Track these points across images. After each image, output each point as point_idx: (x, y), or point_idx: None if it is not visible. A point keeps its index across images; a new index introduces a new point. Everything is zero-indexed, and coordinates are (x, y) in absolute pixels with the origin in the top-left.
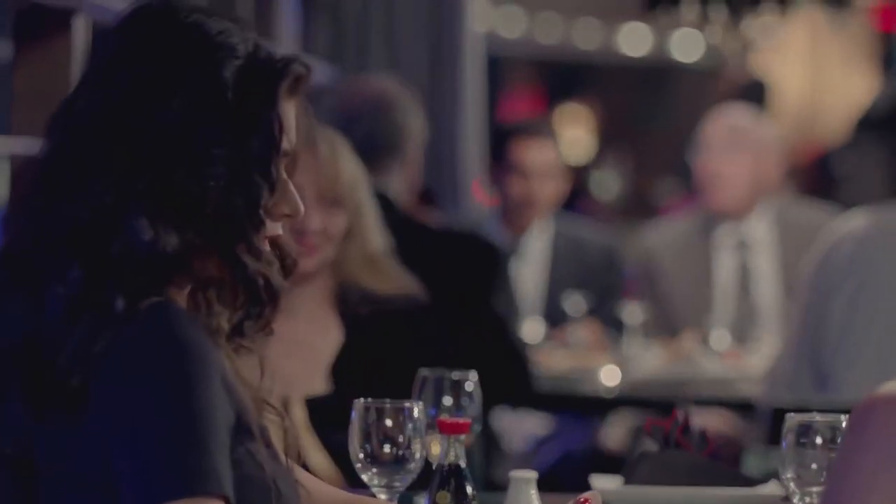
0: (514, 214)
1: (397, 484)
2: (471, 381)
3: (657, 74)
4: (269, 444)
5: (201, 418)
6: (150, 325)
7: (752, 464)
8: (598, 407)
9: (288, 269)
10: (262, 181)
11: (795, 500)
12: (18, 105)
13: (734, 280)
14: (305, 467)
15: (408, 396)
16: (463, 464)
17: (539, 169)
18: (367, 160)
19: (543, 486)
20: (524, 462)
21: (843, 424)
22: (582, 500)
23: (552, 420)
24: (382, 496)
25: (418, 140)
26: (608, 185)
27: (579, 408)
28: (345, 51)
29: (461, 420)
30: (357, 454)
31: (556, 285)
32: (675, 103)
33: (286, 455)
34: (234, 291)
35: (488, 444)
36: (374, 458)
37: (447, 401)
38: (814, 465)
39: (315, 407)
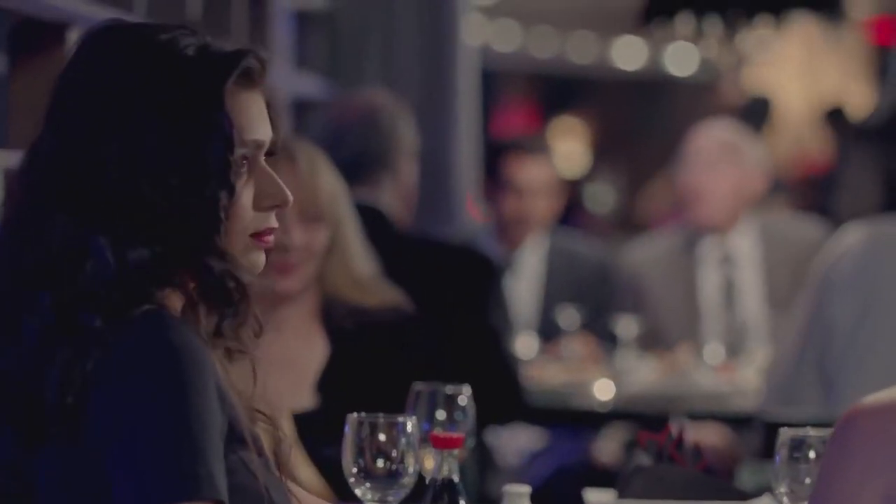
0: (507, 231)
1: (391, 499)
2: (464, 396)
3: (652, 88)
4: (261, 453)
5: (196, 423)
6: (142, 333)
7: (745, 478)
8: (591, 421)
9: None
10: (217, 181)
11: None
12: (13, 118)
13: (720, 295)
14: (294, 482)
15: (395, 410)
16: (456, 478)
17: (533, 186)
18: (357, 174)
19: (537, 500)
20: (518, 476)
21: None
22: None
23: (546, 434)
24: None
25: (410, 153)
26: (602, 198)
27: (573, 422)
28: (339, 65)
29: (455, 434)
30: (350, 469)
31: (550, 299)
32: (669, 117)
33: (277, 465)
34: (207, 295)
35: (482, 459)
36: (367, 473)
37: (441, 415)
38: (807, 480)
39: (303, 421)
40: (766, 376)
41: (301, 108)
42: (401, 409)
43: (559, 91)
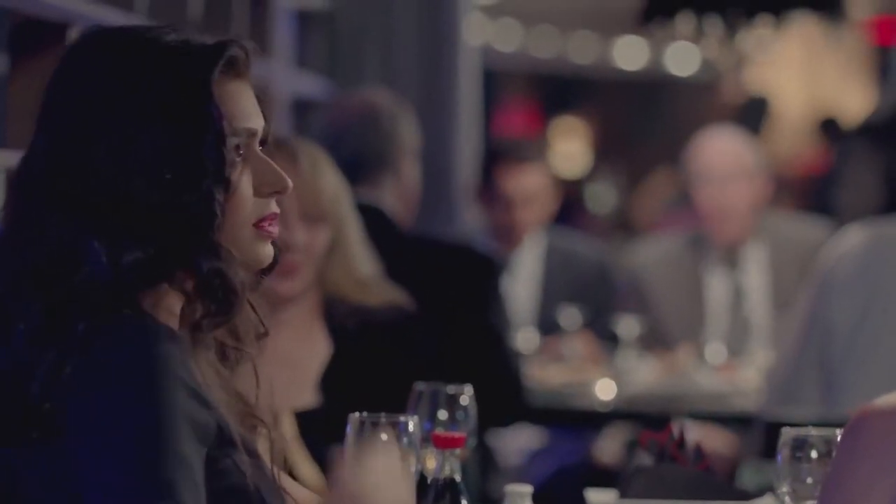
0: (501, 236)
1: None
2: (466, 396)
3: (652, 88)
4: (254, 455)
5: (161, 430)
6: (116, 340)
7: (747, 478)
8: (593, 421)
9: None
10: (212, 176)
11: None
12: (14, 118)
13: (727, 296)
14: (295, 481)
15: (396, 409)
16: (458, 478)
17: (524, 195)
18: (358, 174)
19: (539, 500)
20: (519, 476)
21: (839, 438)
22: None
23: (547, 434)
24: None
25: (411, 152)
26: (603, 198)
27: (574, 422)
28: (340, 65)
29: (456, 434)
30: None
31: (549, 299)
32: (670, 117)
33: (272, 465)
34: (201, 293)
35: (484, 459)
36: None
37: (442, 415)
38: (809, 479)
39: (304, 420)
40: (767, 376)
41: (301, 108)
42: (402, 408)
43: (560, 91)
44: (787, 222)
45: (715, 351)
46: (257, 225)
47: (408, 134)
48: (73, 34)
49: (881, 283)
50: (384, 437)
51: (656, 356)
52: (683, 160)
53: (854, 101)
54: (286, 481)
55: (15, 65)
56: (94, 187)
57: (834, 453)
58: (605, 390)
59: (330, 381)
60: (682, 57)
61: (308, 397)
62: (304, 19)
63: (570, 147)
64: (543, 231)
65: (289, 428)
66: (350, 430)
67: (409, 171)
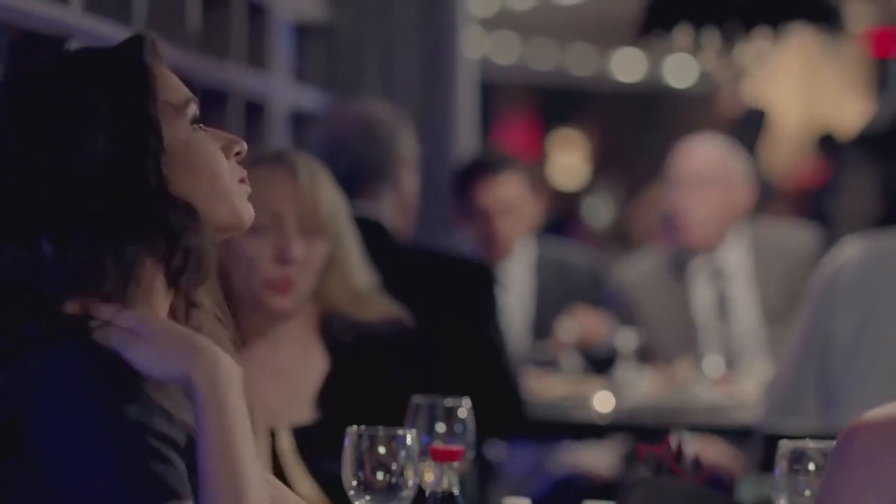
0: (486, 249)
1: None
2: (464, 409)
3: (650, 100)
4: None
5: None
6: (67, 366)
7: (745, 490)
8: (591, 433)
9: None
10: (144, 129)
11: None
12: None
13: (713, 308)
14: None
15: (394, 423)
16: (456, 491)
17: (501, 206)
18: (357, 186)
19: None
20: (517, 489)
21: None
22: None
23: (545, 446)
24: None
25: (410, 164)
26: (601, 211)
27: (572, 434)
28: (338, 78)
29: (454, 447)
30: (350, 482)
31: (543, 309)
32: (668, 129)
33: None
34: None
35: (482, 472)
36: (367, 486)
37: (440, 428)
38: (807, 492)
39: (301, 435)
40: (766, 390)
41: (300, 121)
42: (400, 423)
43: (558, 103)
44: (771, 229)
45: (712, 363)
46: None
47: (406, 145)
48: (71, 48)
49: (880, 296)
50: None
51: (654, 369)
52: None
53: (852, 113)
54: (274, 485)
55: None
56: (39, 181)
57: (826, 467)
58: (603, 403)
59: (328, 396)
60: (680, 69)
61: (306, 413)
62: (303, 32)
63: (568, 159)
64: (534, 241)
65: (286, 443)
66: (347, 443)
67: (408, 183)
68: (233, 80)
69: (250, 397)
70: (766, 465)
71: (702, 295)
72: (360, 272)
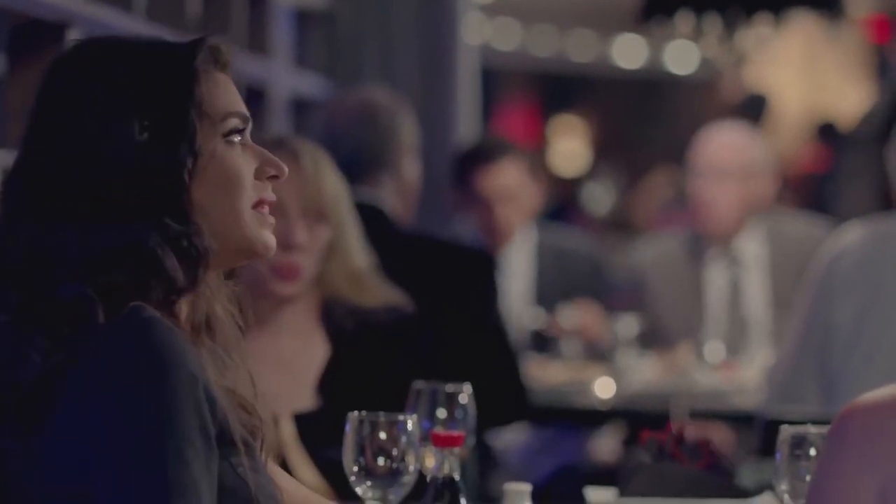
0: (487, 236)
1: (392, 497)
2: (465, 394)
3: (652, 87)
4: (253, 456)
5: (179, 431)
6: (125, 335)
7: (746, 476)
8: (592, 419)
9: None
10: (183, 144)
11: None
12: (13, 119)
13: (726, 295)
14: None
15: (396, 410)
16: (457, 477)
17: (501, 193)
18: (358, 173)
19: (538, 499)
20: (518, 475)
21: None
22: None
23: (546, 432)
24: None
25: (410, 151)
26: (601, 198)
27: (574, 420)
28: (339, 65)
29: (455, 433)
30: (351, 467)
31: (543, 295)
32: (669, 116)
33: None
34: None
35: (483, 457)
36: (368, 471)
37: (441, 413)
38: (808, 477)
39: (303, 423)
40: (767, 376)
41: (300, 108)
42: (401, 409)
43: (559, 90)
44: (788, 221)
45: (713, 349)
46: (255, 207)
47: (407, 132)
48: (72, 34)
49: (882, 281)
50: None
51: (655, 354)
52: (687, 154)
53: (852, 99)
54: (279, 475)
55: (14, 65)
56: (66, 175)
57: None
58: (604, 388)
59: (329, 383)
60: (681, 55)
61: (307, 400)
62: (303, 18)
63: (569, 146)
64: (534, 227)
65: (288, 430)
66: (349, 428)
67: (409, 170)
68: (233, 66)
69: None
70: (767, 450)
71: (715, 282)
72: (362, 259)
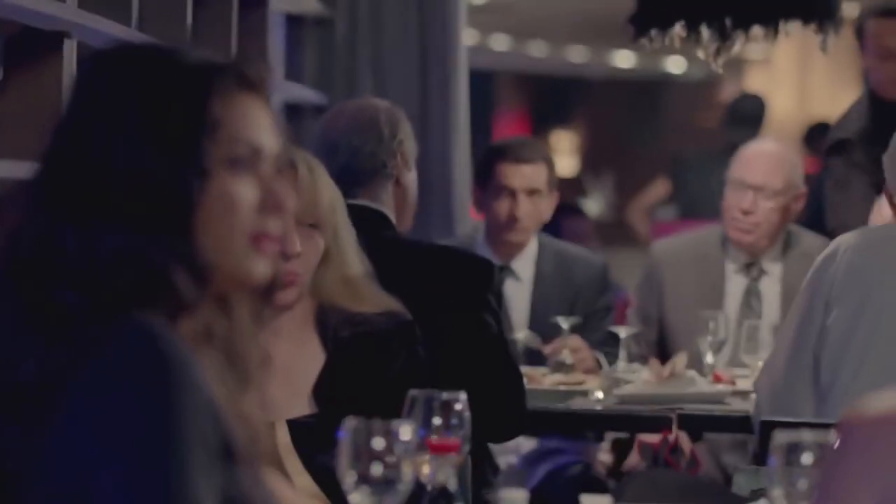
0: (505, 236)
1: None
2: (461, 402)
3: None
4: (254, 469)
5: (182, 441)
6: (131, 343)
7: (741, 482)
8: (588, 425)
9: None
10: (194, 166)
11: None
12: (8, 127)
13: (740, 301)
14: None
15: (391, 417)
16: (453, 484)
17: (531, 190)
18: (358, 180)
19: None
20: (514, 481)
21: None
22: None
23: (541, 438)
24: None
25: (410, 159)
26: (591, 209)
27: (568, 425)
28: (333, 77)
29: (451, 441)
30: (346, 474)
31: (542, 306)
32: (664, 117)
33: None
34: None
35: (478, 464)
36: (363, 479)
37: (437, 421)
38: (803, 484)
39: (298, 429)
40: (755, 386)
41: (293, 115)
42: (397, 416)
43: (552, 101)
44: (805, 236)
45: (712, 358)
46: (253, 239)
47: (408, 141)
48: (69, 44)
49: (874, 287)
50: None
51: (653, 362)
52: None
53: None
54: (279, 485)
55: (9, 74)
56: (74, 179)
57: (821, 459)
58: (598, 393)
59: (324, 389)
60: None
61: (302, 406)
62: (296, 31)
63: (560, 158)
64: (534, 238)
65: (284, 437)
66: (344, 435)
67: (408, 179)
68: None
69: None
70: (762, 456)
71: (734, 287)
72: (357, 266)
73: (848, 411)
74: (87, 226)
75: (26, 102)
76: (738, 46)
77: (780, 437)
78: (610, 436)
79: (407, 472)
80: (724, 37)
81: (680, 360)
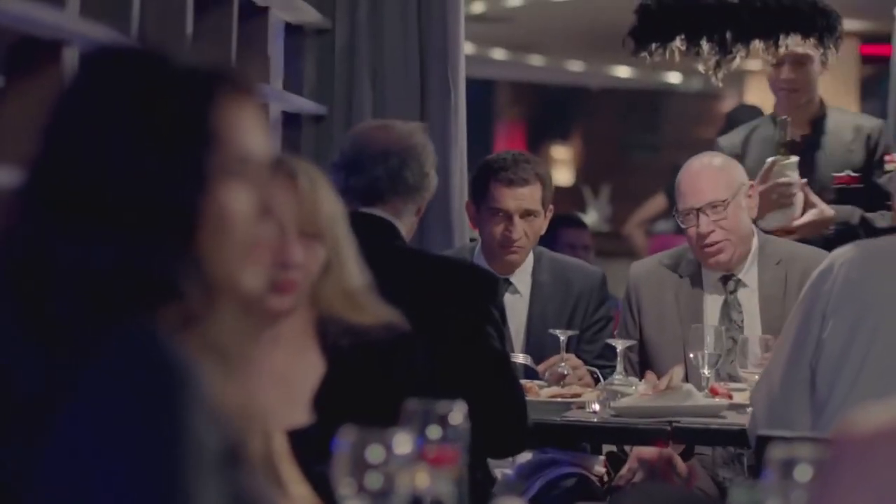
0: (501, 253)
1: None
2: (458, 413)
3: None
4: (255, 475)
5: (185, 448)
6: (132, 346)
7: (736, 495)
8: (584, 436)
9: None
10: (197, 179)
11: None
12: (8, 136)
13: (719, 316)
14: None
15: (389, 427)
16: (449, 496)
17: (524, 211)
18: (381, 197)
19: None
20: (510, 491)
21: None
22: None
23: (538, 451)
24: None
25: (433, 182)
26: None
27: (563, 436)
28: (332, 87)
29: (448, 452)
30: (342, 484)
31: (541, 317)
32: (663, 128)
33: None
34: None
35: (475, 475)
36: (359, 490)
37: (434, 432)
38: (799, 498)
39: (297, 438)
40: (752, 399)
41: (292, 124)
42: (395, 427)
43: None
44: (774, 243)
45: (708, 371)
46: (249, 247)
47: (435, 180)
48: (68, 52)
49: (870, 300)
50: None
51: (649, 377)
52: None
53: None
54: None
55: (9, 83)
56: (70, 185)
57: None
58: (594, 405)
59: (323, 399)
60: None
61: (301, 416)
62: (295, 43)
63: (558, 172)
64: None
65: (281, 446)
66: (340, 445)
67: (426, 198)
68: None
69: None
70: (758, 469)
71: (711, 300)
72: (357, 277)
73: (841, 425)
74: (84, 233)
75: (26, 111)
76: (737, 60)
77: (777, 451)
78: (607, 448)
79: (403, 484)
80: (724, 51)
81: (676, 374)
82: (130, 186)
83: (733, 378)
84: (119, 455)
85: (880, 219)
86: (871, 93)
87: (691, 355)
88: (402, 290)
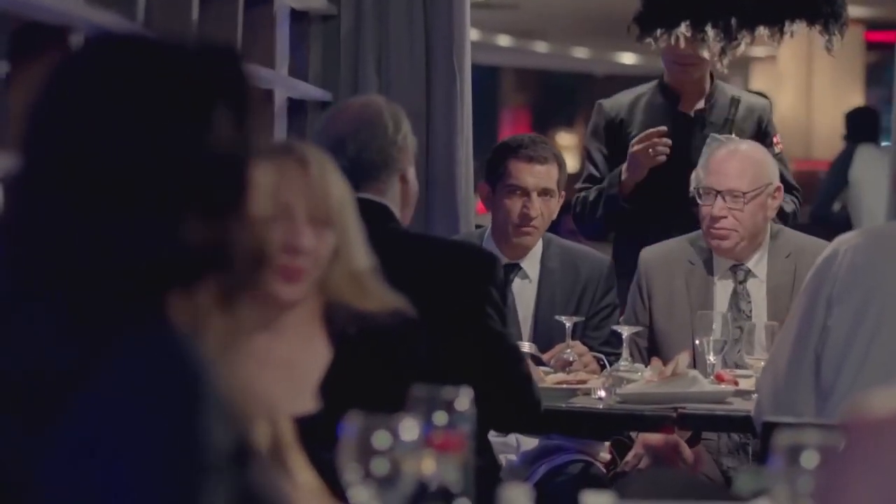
0: (510, 238)
1: (389, 502)
2: (464, 399)
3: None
4: (265, 470)
5: (195, 443)
6: (147, 346)
7: (742, 481)
8: (590, 423)
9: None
10: (203, 155)
11: None
12: (14, 123)
13: (728, 305)
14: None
15: (395, 413)
16: (455, 482)
17: (542, 189)
18: (362, 176)
19: (535, 502)
20: (516, 478)
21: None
22: None
23: (544, 435)
24: None
25: (412, 155)
26: None
27: (570, 423)
28: (337, 73)
29: (454, 438)
30: (348, 471)
31: (549, 303)
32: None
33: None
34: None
35: (481, 461)
36: (365, 476)
37: (440, 418)
38: (805, 484)
39: (303, 425)
40: (758, 385)
41: (298, 111)
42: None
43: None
44: (787, 235)
45: (715, 357)
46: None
47: (410, 137)
48: (74, 38)
49: (875, 286)
50: None
51: (655, 363)
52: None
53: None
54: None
55: (15, 68)
56: (90, 166)
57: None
58: (602, 393)
59: (330, 386)
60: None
61: (308, 403)
62: (301, 30)
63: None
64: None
65: (288, 433)
66: (347, 432)
67: (411, 176)
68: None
69: (252, 386)
70: (763, 456)
71: (720, 289)
72: (365, 263)
73: (851, 410)
74: (107, 215)
75: (32, 97)
76: (742, 46)
77: (783, 438)
78: (610, 433)
79: (409, 470)
80: (729, 37)
81: (682, 360)
82: (150, 166)
83: (740, 367)
84: (128, 454)
85: (787, 205)
86: (876, 79)
87: (698, 342)
88: (400, 274)
